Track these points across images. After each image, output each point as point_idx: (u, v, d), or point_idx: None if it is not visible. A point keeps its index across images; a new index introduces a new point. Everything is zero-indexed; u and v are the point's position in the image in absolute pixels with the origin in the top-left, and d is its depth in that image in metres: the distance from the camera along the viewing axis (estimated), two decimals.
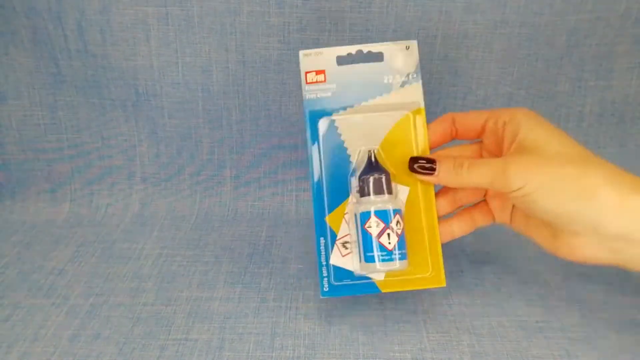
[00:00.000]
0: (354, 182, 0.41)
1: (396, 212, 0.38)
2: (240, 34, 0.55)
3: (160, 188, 0.62)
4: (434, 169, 0.39)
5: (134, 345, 0.41)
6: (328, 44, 0.55)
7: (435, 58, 0.56)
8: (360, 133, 0.41)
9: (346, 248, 0.41)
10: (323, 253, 0.41)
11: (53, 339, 0.42)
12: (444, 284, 0.40)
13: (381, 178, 0.39)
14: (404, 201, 0.41)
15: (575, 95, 0.59)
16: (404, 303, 0.45)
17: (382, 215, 0.38)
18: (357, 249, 0.40)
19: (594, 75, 0.58)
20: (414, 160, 0.39)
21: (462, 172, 0.38)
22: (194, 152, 0.61)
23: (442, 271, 0.41)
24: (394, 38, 0.55)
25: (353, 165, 0.41)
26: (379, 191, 0.39)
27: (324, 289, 0.41)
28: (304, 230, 0.58)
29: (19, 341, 0.41)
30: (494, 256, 0.53)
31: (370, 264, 0.38)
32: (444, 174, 0.38)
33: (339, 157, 0.41)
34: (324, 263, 0.41)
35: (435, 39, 0.55)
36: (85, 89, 0.58)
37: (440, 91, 0.58)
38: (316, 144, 0.41)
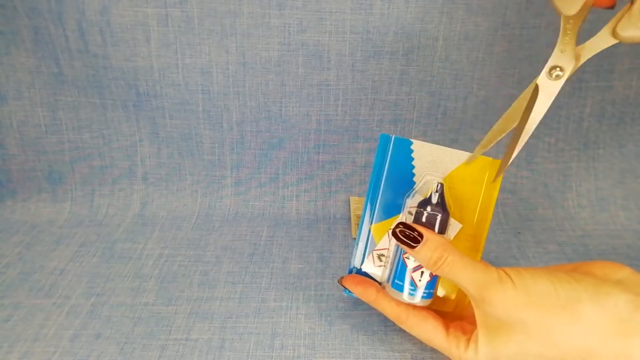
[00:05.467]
0: (409, 203, 0.40)
1: None
2: (240, 35, 0.55)
3: (161, 188, 0.62)
4: (414, 245, 0.36)
5: (134, 345, 0.41)
6: (329, 46, 0.55)
7: (437, 59, 0.56)
8: (430, 159, 0.40)
9: (380, 260, 0.41)
10: (360, 258, 0.41)
11: (54, 338, 0.42)
12: (451, 309, 0.40)
13: (437, 216, 0.37)
14: (452, 237, 0.40)
15: (576, 96, 0.59)
16: None
17: None
18: (389, 269, 0.40)
19: (594, 76, 0.59)
20: (401, 224, 0.37)
21: (442, 267, 0.35)
22: (194, 152, 0.61)
23: (454, 297, 0.40)
24: (395, 40, 0.55)
25: (414, 188, 0.40)
26: (431, 228, 0.37)
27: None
28: (305, 230, 0.58)
29: (20, 341, 0.42)
30: (493, 256, 0.53)
31: (396, 292, 0.38)
32: (422, 256, 0.36)
33: (404, 175, 0.40)
34: (358, 267, 0.41)
35: (436, 41, 0.55)
36: (86, 89, 0.58)
37: (441, 92, 0.58)
38: (386, 155, 0.40)
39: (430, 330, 0.37)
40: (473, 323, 0.36)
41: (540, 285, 0.32)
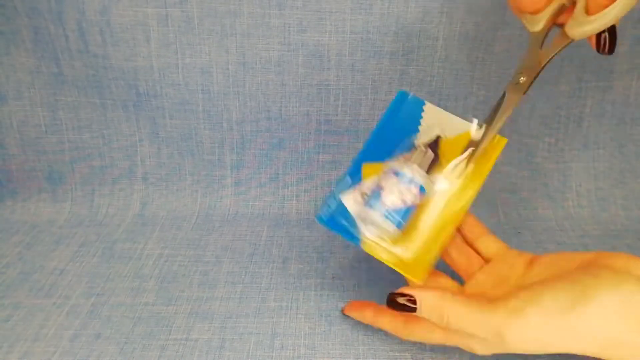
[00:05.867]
0: (403, 152, 0.42)
1: (419, 186, 0.39)
2: (240, 35, 0.55)
3: (161, 188, 0.62)
4: (414, 308, 0.36)
5: (134, 345, 0.41)
6: (329, 46, 0.55)
7: (436, 60, 0.56)
8: (437, 123, 0.42)
9: (362, 198, 0.42)
10: (345, 187, 0.42)
11: (54, 338, 0.42)
12: (420, 280, 0.40)
13: (426, 153, 0.40)
14: (437, 191, 0.41)
15: (576, 96, 0.59)
16: None
17: (403, 178, 0.39)
18: (368, 195, 0.41)
19: (594, 76, 0.59)
20: (394, 295, 0.37)
21: (450, 323, 0.34)
22: (194, 152, 0.61)
23: (426, 269, 0.40)
24: (395, 40, 0.55)
25: (412, 140, 0.42)
26: (416, 161, 0.40)
27: (322, 215, 0.42)
28: (305, 230, 0.58)
29: (20, 341, 0.42)
30: None
31: (370, 211, 0.40)
32: (428, 317, 0.35)
33: (408, 129, 0.42)
34: (336, 197, 0.42)
35: (436, 41, 0.55)
36: (86, 89, 0.58)
37: (441, 93, 0.58)
38: (398, 108, 0.43)
39: (426, 329, 0.37)
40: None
41: (559, 302, 0.31)
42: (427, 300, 0.35)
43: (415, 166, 0.40)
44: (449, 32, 0.55)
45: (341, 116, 0.59)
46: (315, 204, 0.62)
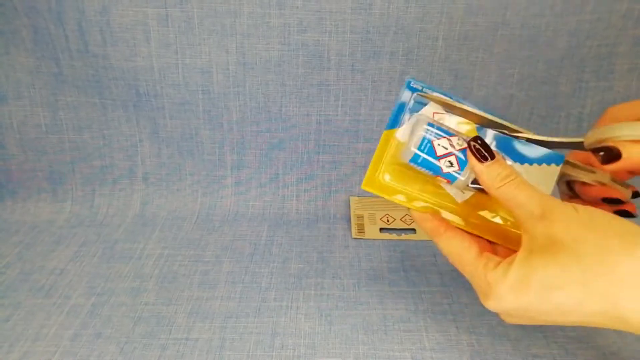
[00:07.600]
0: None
1: (462, 163, 0.36)
2: (240, 35, 0.55)
3: (161, 188, 0.62)
4: (484, 160, 0.34)
5: (135, 344, 0.41)
6: (329, 46, 0.55)
7: (436, 60, 0.56)
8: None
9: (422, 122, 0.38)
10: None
11: (54, 338, 0.42)
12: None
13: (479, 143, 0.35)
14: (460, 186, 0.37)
15: (576, 96, 0.59)
16: (404, 302, 0.46)
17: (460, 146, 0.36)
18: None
19: (594, 76, 0.59)
20: (477, 140, 0.35)
21: (510, 184, 0.33)
22: (194, 152, 0.61)
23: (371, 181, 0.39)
24: (395, 40, 0.55)
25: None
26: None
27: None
28: (305, 230, 0.58)
29: (20, 341, 0.42)
30: None
31: (421, 128, 0.36)
32: (492, 170, 0.34)
33: None
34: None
35: (436, 41, 0.55)
36: (86, 89, 0.58)
37: None
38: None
39: (463, 246, 0.35)
40: (510, 253, 0.34)
41: (601, 214, 0.30)
42: (504, 162, 0.34)
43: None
44: (449, 32, 0.55)
45: (341, 116, 0.59)
46: (315, 204, 0.62)
